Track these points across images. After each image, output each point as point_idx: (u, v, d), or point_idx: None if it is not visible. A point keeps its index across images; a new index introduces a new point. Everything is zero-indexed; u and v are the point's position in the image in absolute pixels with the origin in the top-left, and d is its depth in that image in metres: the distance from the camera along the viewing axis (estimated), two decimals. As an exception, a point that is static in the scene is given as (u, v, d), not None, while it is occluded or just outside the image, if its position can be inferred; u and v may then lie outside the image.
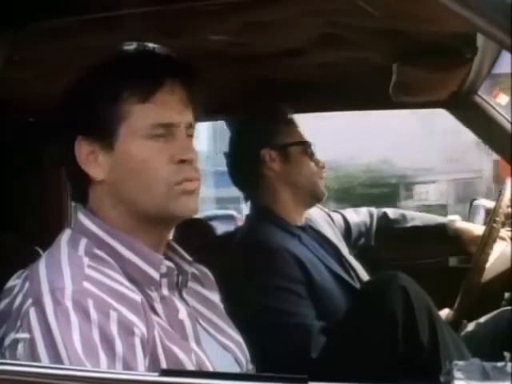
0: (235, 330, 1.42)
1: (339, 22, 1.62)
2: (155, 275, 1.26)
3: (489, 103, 2.35)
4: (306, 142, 2.14)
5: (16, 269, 1.26)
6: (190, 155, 1.27)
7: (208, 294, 1.43)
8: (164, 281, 1.28)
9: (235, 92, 2.23)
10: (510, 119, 2.33)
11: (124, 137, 1.25)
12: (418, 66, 1.98)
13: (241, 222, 2.63)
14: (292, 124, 2.15)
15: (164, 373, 1.00)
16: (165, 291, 1.28)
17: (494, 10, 1.00)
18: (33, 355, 1.09)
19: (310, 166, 2.11)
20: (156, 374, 0.99)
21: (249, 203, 2.18)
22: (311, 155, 2.13)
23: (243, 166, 2.15)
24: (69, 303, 1.11)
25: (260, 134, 2.11)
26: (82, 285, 1.14)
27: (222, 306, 1.45)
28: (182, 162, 1.26)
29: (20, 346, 1.11)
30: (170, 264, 1.30)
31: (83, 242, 1.24)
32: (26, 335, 1.11)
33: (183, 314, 1.29)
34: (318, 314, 1.93)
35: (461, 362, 0.94)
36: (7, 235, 1.89)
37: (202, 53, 1.72)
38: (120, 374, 1.05)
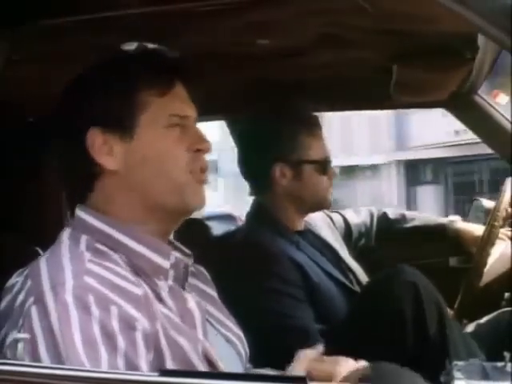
0: (235, 323, 1.43)
1: (339, 22, 1.62)
2: (165, 264, 1.28)
3: (489, 103, 2.35)
4: (324, 159, 2.09)
5: (16, 269, 1.26)
6: (207, 145, 1.33)
7: (206, 288, 1.44)
8: (171, 272, 1.29)
9: (234, 92, 2.23)
10: (510, 119, 2.33)
11: (144, 126, 1.28)
12: (418, 66, 1.98)
13: (240, 222, 2.62)
14: (315, 135, 2.09)
15: (164, 373, 1.00)
16: (170, 282, 1.29)
17: (494, 10, 1.00)
18: (34, 354, 1.09)
19: (321, 182, 2.09)
20: (156, 374, 0.99)
21: (252, 201, 2.18)
22: (325, 171, 2.09)
23: (253, 173, 2.14)
24: (69, 299, 1.11)
25: (276, 146, 2.06)
26: (83, 279, 1.14)
27: (220, 301, 1.46)
28: (199, 151, 1.32)
29: (20, 346, 1.11)
30: (178, 255, 1.32)
31: (84, 238, 1.24)
32: (25, 335, 1.11)
33: (192, 303, 1.30)
34: (318, 317, 1.93)
35: (461, 362, 0.94)
36: (7, 235, 1.89)
37: (201, 53, 1.72)
38: (119, 374, 1.05)
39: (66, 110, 1.31)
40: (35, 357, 1.09)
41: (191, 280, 1.37)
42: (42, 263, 1.20)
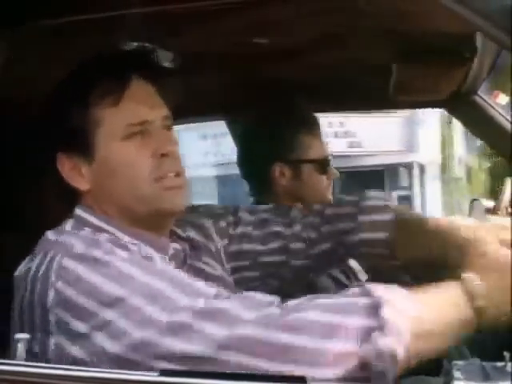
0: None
1: (339, 22, 1.62)
2: (165, 258, 1.29)
3: (489, 103, 2.35)
4: (323, 158, 2.10)
5: (16, 269, 1.26)
6: (171, 148, 1.28)
7: (207, 259, 1.43)
8: (172, 263, 1.30)
9: (234, 92, 2.23)
10: (510, 119, 2.33)
11: (102, 143, 1.26)
12: (417, 66, 1.98)
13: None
14: (314, 135, 2.10)
15: (164, 373, 1.00)
16: None
17: (494, 10, 1.00)
18: (97, 294, 1.11)
19: (320, 181, 2.09)
20: (156, 374, 0.99)
21: (252, 199, 2.18)
22: (325, 170, 2.09)
23: (252, 173, 2.14)
24: (98, 252, 1.15)
25: (275, 146, 2.06)
26: (99, 240, 1.19)
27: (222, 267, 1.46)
28: (164, 155, 1.27)
29: (20, 346, 1.10)
30: (177, 245, 1.33)
31: (87, 229, 1.25)
32: (25, 335, 1.11)
33: None
34: None
35: (460, 362, 0.94)
36: (7, 235, 1.89)
37: (201, 53, 1.72)
38: (119, 373, 1.05)
39: (38, 135, 1.34)
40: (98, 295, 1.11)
41: (189, 261, 1.37)
42: (52, 236, 1.23)
